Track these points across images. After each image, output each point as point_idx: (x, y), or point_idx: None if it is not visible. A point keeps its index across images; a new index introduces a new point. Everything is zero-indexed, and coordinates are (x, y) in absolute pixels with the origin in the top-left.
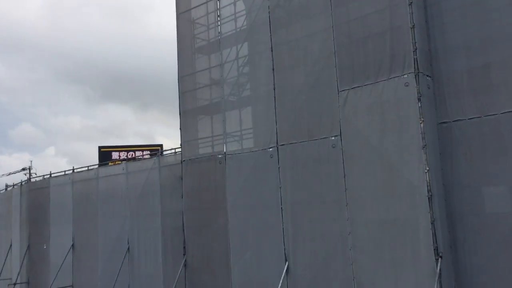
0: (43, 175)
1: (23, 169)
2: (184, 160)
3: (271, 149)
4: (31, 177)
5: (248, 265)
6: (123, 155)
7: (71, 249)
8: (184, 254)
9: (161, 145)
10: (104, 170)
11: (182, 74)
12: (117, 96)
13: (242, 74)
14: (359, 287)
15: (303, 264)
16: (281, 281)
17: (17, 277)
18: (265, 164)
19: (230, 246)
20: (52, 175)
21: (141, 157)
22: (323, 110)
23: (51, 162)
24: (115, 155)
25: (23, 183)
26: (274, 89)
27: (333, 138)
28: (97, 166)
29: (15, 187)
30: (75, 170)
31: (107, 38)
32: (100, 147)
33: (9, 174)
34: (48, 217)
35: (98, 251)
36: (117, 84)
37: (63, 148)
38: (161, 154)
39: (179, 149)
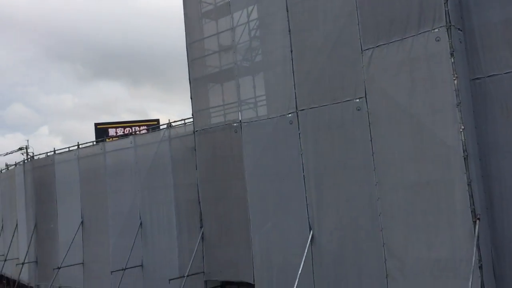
0: (46, 152)
1: (20, 149)
2: (196, 131)
3: (290, 115)
4: (33, 155)
5: (269, 235)
6: (119, 131)
7: (81, 226)
8: (201, 227)
9: (157, 120)
10: (111, 145)
11: (190, 41)
12: (108, 73)
13: (254, 38)
14: (389, 253)
15: (328, 232)
16: (306, 250)
17: (25, 256)
18: (284, 130)
19: (249, 217)
20: (57, 152)
21: (138, 132)
22: (346, 71)
23: (45, 141)
24: (111, 131)
25: (26, 161)
26: (291, 52)
27: (357, 100)
28: (102, 140)
29: (17, 165)
30: (80, 146)
31: (95, 13)
32: (96, 124)
33: (6, 154)
34: (55, 194)
35: (108, 227)
36: (108, 61)
37: (57, 127)
38: (170, 125)
39: (189, 120)
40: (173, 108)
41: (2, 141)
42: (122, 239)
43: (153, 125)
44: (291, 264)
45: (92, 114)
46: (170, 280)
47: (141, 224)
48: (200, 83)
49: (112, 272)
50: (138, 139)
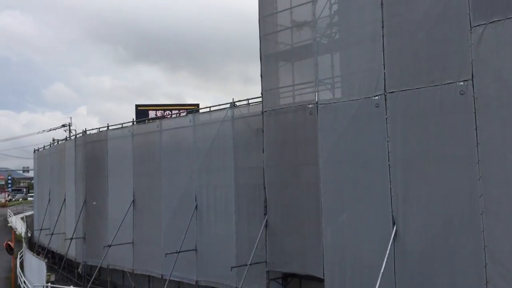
0: (99, 128)
1: (63, 126)
2: (265, 111)
3: (376, 97)
4: (85, 130)
5: (343, 228)
6: (159, 113)
7: (132, 205)
8: (264, 214)
9: (197, 105)
10: (169, 122)
11: (263, 14)
12: (148, 56)
13: (336, 12)
14: (491, 257)
15: (415, 229)
16: (389, 247)
17: (73, 232)
18: (369, 114)
19: (321, 207)
20: (110, 128)
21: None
22: (448, 50)
23: (83, 121)
24: (151, 113)
25: (77, 135)
26: (383, 28)
27: (461, 83)
28: (159, 118)
29: (68, 139)
30: (135, 123)
31: None
32: (137, 105)
33: (49, 130)
34: (106, 171)
35: (161, 208)
36: (148, 45)
37: (95, 108)
38: (234, 105)
39: (253, 100)
40: (209, 95)
41: (42, 118)
42: (175, 221)
43: (192, 109)
44: (368, 261)
45: (129, 97)
46: (232, 268)
47: (196, 206)
48: (271, 60)
49: (166, 254)
50: (197, 118)
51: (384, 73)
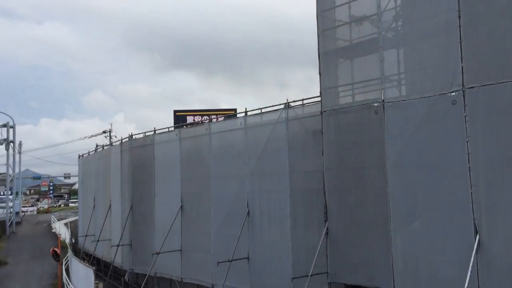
0: (144, 132)
1: (104, 132)
2: (324, 111)
3: (453, 94)
4: (132, 134)
5: (415, 237)
6: (197, 119)
7: (180, 211)
8: (325, 221)
9: (235, 110)
10: (217, 126)
11: (321, 9)
12: (183, 63)
13: (402, 3)
14: None
15: (502, 239)
16: (472, 259)
17: (120, 239)
18: (444, 112)
19: (390, 213)
20: (157, 132)
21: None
22: None
23: (121, 128)
24: (189, 119)
25: (123, 140)
26: (459, 17)
27: None
28: (208, 121)
29: (113, 144)
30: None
31: (175, 4)
32: (175, 111)
33: (90, 137)
34: (153, 176)
35: (211, 214)
36: (184, 51)
37: (132, 114)
38: (288, 106)
39: (308, 100)
40: (243, 100)
41: (81, 125)
42: (226, 227)
43: (230, 114)
44: (445, 273)
45: (165, 103)
46: (293, 278)
47: (248, 212)
48: (330, 57)
49: (218, 263)
50: (249, 120)
51: (462, 67)
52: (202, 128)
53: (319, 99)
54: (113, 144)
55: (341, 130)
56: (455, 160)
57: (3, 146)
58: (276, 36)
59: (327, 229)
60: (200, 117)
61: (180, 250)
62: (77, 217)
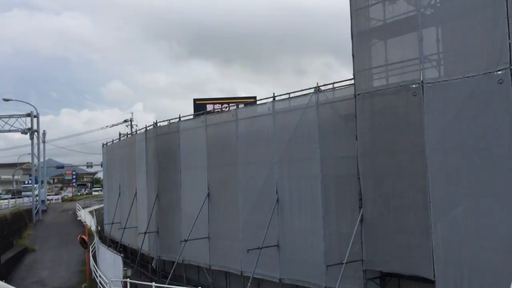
0: (169, 120)
1: (125, 121)
2: (358, 94)
3: (500, 72)
4: (156, 122)
5: (458, 223)
6: (217, 107)
7: (207, 198)
8: (360, 207)
9: (254, 97)
10: (244, 112)
11: None
12: (201, 52)
13: None
14: None
15: None
16: None
17: (147, 226)
18: (489, 93)
19: (429, 199)
20: (182, 119)
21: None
22: None
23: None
24: (209, 107)
25: (148, 128)
26: None
27: None
28: (235, 106)
29: (138, 132)
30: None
31: None
32: (195, 99)
33: (112, 126)
34: (178, 163)
35: (239, 201)
36: (202, 40)
37: (150, 104)
38: (318, 89)
39: (340, 84)
40: (262, 88)
41: (101, 115)
42: (255, 214)
43: (250, 102)
44: (490, 261)
45: (183, 92)
46: (328, 266)
47: (278, 199)
48: (363, 38)
49: (248, 250)
50: (278, 105)
51: (510, 43)
52: (229, 115)
53: (351, 82)
54: (137, 132)
55: (376, 113)
56: (502, 143)
57: (26, 136)
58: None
59: (361, 215)
60: (220, 105)
61: (208, 237)
62: (101, 205)
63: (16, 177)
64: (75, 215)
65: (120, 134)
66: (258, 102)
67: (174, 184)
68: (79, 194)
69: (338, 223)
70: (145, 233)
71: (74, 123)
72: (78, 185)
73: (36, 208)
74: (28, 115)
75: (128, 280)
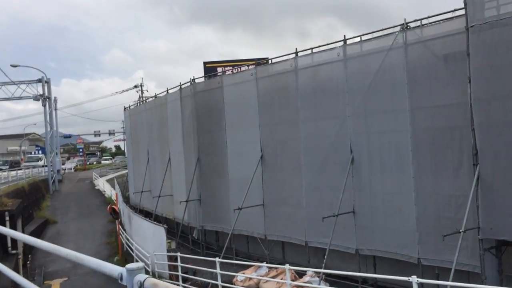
0: (207, 75)
1: (135, 86)
2: (472, 26)
3: None
4: (194, 78)
5: None
6: (228, 70)
7: (260, 161)
8: (475, 164)
9: (266, 58)
10: (307, 60)
11: None
12: (201, 17)
13: None
14: None
15: None
16: None
17: (188, 194)
18: None
19: None
20: (227, 72)
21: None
22: None
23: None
24: (219, 70)
25: (183, 86)
26: None
27: None
28: (294, 54)
29: (169, 92)
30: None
31: None
32: (205, 63)
33: (122, 92)
34: (223, 123)
35: (301, 163)
36: (201, 4)
37: (151, 72)
38: (406, 27)
39: (427, 19)
40: (263, 52)
41: (102, 84)
42: (321, 177)
43: (262, 63)
44: None
45: (184, 59)
46: (444, 236)
47: (352, 159)
48: None
49: (324, 218)
50: (350, 49)
51: None
52: (286, 65)
53: (450, 15)
54: (168, 91)
55: (497, 49)
56: None
57: (29, 107)
58: None
59: (478, 174)
60: (231, 67)
61: (263, 204)
62: (117, 173)
63: (23, 147)
64: (92, 184)
65: (140, 98)
66: (323, 48)
67: (218, 147)
68: (88, 163)
69: (435, 184)
70: (186, 201)
71: (75, 92)
72: (87, 154)
73: (52, 178)
74: (39, 80)
75: (178, 254)
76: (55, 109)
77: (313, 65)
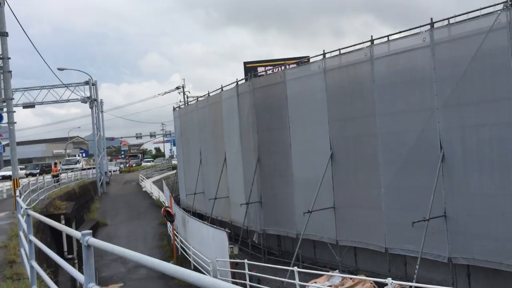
0: (271, 67)
1: (177, 88)
2: None
3: None
4: (252, 74)
5: None
6: (268, 69)
7: (330, 160)
8: None
9: (307, 57)
10: (384, 48)
11: None
12: (236, 19)
13: None
14: None
15: None
16: None
17: (249, 195)
18: None
19: None
20: (290, 66)
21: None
22: None
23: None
24: (260, 70)
25: (239, 82)
26: None
27: None
28: (368, 42)
29: (224, 89)
30: (326, 55)
31: None
32: (245, 63)
33: (164, 94)
34: (286, 120)
35: (379, 161)
36: (237, 6)
37: (187, 75)
38: (511, 5)
39: None
40: (299, 52)
41: (140, 88)
42: (405, 178)
43: (303, 62)
44: None
45: (219, 61)
46: None
47: (443, 157)
48: None
49: (413, 222)
50: (438, 34)
51: None
52: (359, 54)
53: None
54: (223, 88)
55: None
56: None
57: (72, 111)
58: None
59: None
60: (272, 67)
61: (333, 207)
62: (162, 175)
63: (68, 151)
64: (139, 186)
65: (185, 99)
66: (404, 34)
67: (280, 145)
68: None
69: None
70: (246, 204)
71: (114, 96)
72: (129, 156)
73: (100, 180)
74: (87, 83)
75: (246, 261)
76: (102, 111)
77: (391, 54)
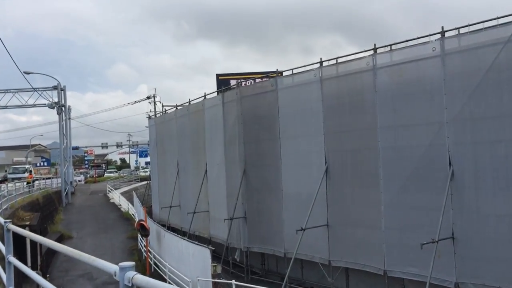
0: (262, 76)
1: (148, 97)
2: None
3: None
4: (241, 81)
5: None
6: (242, 82)
7: (325, 174)
8: None
9: (280, 72)
10: (388, 57)
11: None
12: (206, 33)
13: None
14: None
15: None
16: None
17: (234, 210)
18: None
19: None
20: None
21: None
22: None
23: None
24: (233, 82)
25: (224, 90)
26: None
27: None
28: (371, 51)
29: (207, 98)
30: (323, 64)
31: None
32: (218, 75)
33: (134, 103)
34: (277, 131)
35: (377, 176)
36: (207, 20)
37: (154, 86)
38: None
39: None
40: (268, 68)
41: (105, 97)
42: (407, 195)
43: (274, 76)
44: None
45: (188, 74)
46: None
47: (452, 174)
48: None
49: (422, 244)
50: (448, 43)
51: None
52: (360, 63)
53: None
54: (206, 96)
55: None
56: None
57: (33, 119)
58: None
59: None
60: (244, 80)
61: (327, 225)
62: (130, 187)
63: (29, 159)
64: (106, 197)
65: (155, 108)
66: (412, 43)
67: (269, 157)
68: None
69: None
70: (230, 219)
71: (79, 106)
72: (92, 166)
73: (65, 190)
74: (55, 88)
75: (233, 282)
76: (69, 118)
77: (395, 64)
